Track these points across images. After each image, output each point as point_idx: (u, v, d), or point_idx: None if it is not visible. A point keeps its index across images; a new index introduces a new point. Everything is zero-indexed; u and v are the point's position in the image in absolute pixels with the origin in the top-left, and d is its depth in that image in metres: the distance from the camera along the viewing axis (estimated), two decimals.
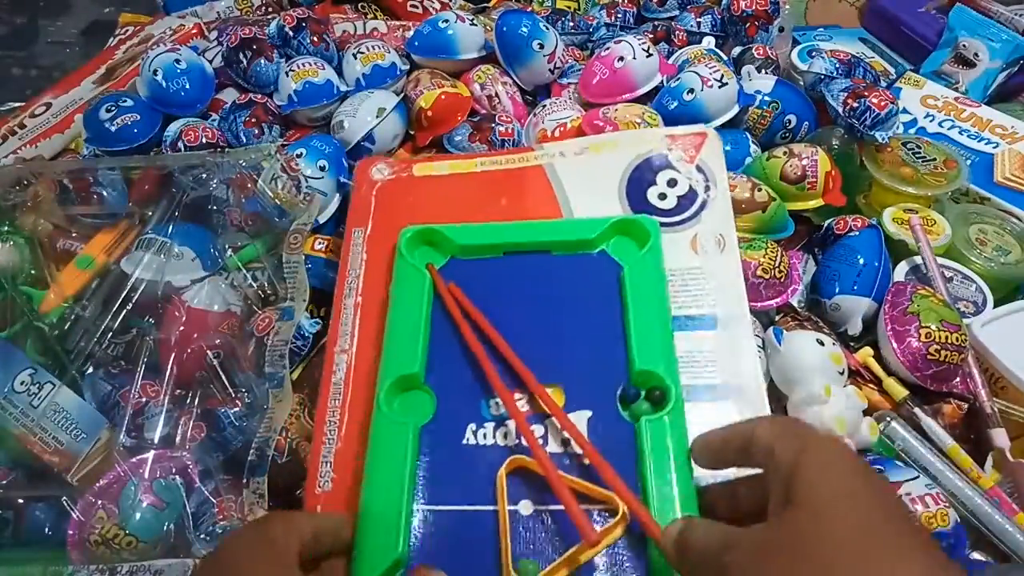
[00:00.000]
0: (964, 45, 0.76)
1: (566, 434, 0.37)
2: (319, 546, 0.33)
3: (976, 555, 0.43)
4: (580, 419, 0.38)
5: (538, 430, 0.38)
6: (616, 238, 0.45)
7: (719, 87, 0.61)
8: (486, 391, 0.39)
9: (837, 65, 0.67)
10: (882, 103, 0.61)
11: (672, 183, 0.50)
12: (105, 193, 0.56)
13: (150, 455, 0.44)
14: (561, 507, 0.34)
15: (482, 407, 0.39)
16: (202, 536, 0.42)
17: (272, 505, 0.42)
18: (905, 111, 0.70)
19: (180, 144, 0.60)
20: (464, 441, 0.38)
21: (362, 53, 0.67)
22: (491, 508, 0.35)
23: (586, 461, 0.36)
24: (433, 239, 0.46)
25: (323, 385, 0.44)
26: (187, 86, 0.64)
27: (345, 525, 0.35)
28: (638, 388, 0.38)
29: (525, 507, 0.36)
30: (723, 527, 0.28)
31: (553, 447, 0.37)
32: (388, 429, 0.38)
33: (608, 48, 0.66)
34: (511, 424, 0.38)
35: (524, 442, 0.36)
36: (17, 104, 0.76)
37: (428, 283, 0.43)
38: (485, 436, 0.38)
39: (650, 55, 0.65)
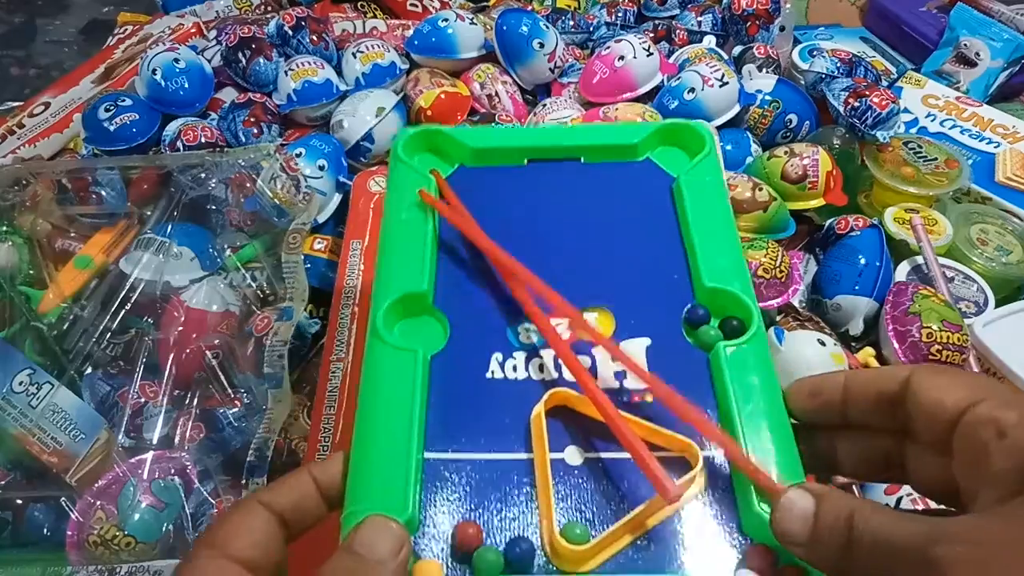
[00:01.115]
0: (965, 44, 0.76)
1: (621, 366, 0.30)
2: (295, 530, 0.26)
3: None
4: (637, 348, 0.31)
5: (584, 362, 0.30)
6: (663, 148, 0.38)
7: (720, 86, 0.61)
8: (512, 315, 0.32)
9: (838, 64, 0.67)
10: (883, 102, 0.60)
11: None
12: (104, 193, 0.55)
13: (149, 456, 0.44)
14: (620, 455, 0.27)
15: (509, 334, 0.31)
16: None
17: None
18: (906, 110, 0.70)
19: (179, 143, 0.59)
20: (488, 374, 0.30)
21: (362, 52, 0.67)
22: (526, 456, 0.28)
23: (650, 398, 0.29)
24: (438, 143, 0.38)
25: (318, 393, 0.44)
26: (186, 85, 0.64)
27: (326, 479, 0.26)
28: (707, 309, 0.31)
29: (572, 455, 0.28)
30: (889, 509, 0.21)
31: (605, 383, 0.30)
32: (389, 358, 0.29)
33: (608, 47, 0.66)
34: (547, 354, 0.30)
35: (567, 375, 0.29)
36: (16, 103, 0.76)
37: (433, 190, 0.36)
38: (515, 368, 0.30)
39: (651, 54, 0.64)
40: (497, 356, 0.30)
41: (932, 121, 0.70)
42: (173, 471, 0.43)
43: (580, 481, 0.27)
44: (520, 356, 0.31)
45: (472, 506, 0.26)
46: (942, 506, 0.24)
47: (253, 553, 0.23)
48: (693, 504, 0.26)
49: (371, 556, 0.22)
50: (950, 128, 0.69)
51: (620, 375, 0.30)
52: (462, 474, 0.27)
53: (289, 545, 0.25)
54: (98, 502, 0.42)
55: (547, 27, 0.68)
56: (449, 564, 0.25)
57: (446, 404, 0.29)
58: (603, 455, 0.28)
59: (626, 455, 0.27)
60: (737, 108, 0.63)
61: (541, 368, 0.30)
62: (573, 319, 0.30)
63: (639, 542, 0.25)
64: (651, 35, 0.75)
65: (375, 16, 0.82)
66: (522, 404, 0.29)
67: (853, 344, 0.53)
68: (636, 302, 0.32)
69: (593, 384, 0.28)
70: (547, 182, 0.37)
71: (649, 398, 0.29)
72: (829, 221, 0.58)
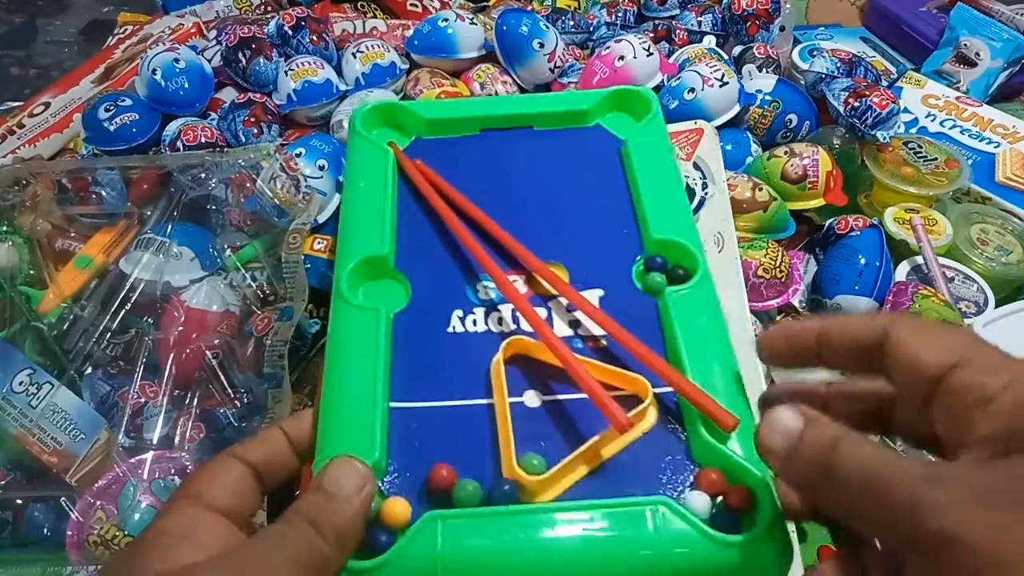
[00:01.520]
0: (965, 44, 0.76)
1: (576, 315, 0.32)
2: (269, 482, 0.27)
3: None
4: (591, 298, 0.32)
5: (540, 313, 0.31)
6: (612, 113, 0.40)
7: (720, 86, 0.61)
8: (471, 275, 0.34)
9: (838, 64, 0.67)
10: (883, 102, 0.60)
11: None
12: (104, 193, 0.55)
13: (149, 455, 0.44)
14: (575, 396, 0.29)
15: (468, 292, 0.33)
16: None
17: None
18: (906, 110, 0.70)
19: (179, 143, 0.59)
20: (449, 329, 0.32)
21: (362, 52, 0.67)
22: (487, 402, 0.29)
23: (603, 344, 0.31)
24: (395, 116, 0.40)
25: (318, 393, 0.44)
26: (186, 85, 0.64)
27: (296, 434, 0.28)
28: (664, 257, 0.33)
29: (531, 399, 0.29)
30: (879, 445, 0.20)
31: (560, 331, 0.31)
32: (353, 318, 0.31)
33: (608, 47, 0.65)
34: (506, 309, 0.32)
35: (524, 327, 0.31)
36: (16, 103, 0.76)
37: (391, 161, 0.38)
38: (475, 323, 0.32)
39: (651, 54, 0.64)
40: (458, 312, 0.32)
41: (932, 121, 0.70)
42: (173, 471, 0.43)
43: (538, 421, 0.29)
44: (479, 311, 0.32)
45: (436, 449, 0.28)
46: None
47: (228, 502, 0.25)
48: (646, 436, 0.28)
49: (338, 493, 0.24)
50: (950, 128, 0.69)
51: (574, 323, 0.31)
52: (426, 421, 0.29)
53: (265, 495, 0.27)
54: (98, 502, 0.42)
55: (547, 27, 0.68)
56: (417, 502, 0.26)
57: (409, 358, 0.31)
58: (560, 397, 0.29)
59: (582, 395, 0.28)
60: (737, 108, 0.63)
61: (500, 321, 0.32)
62: (533, 265, 0.32)
63: (597, 472, 0.27)
64: (651, 35, 0.75)
65: (375, 16, 0.82)
66: (482, 355, 0.30)
67: None
68: (589, 256, 0.34)
69: (548, 329, 0.29)
70: (501, 150, 0.38)
71: (603, 343, 0.30)
72: (829, 221, 0.58)
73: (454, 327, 0.32)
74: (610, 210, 0.36)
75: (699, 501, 0.26)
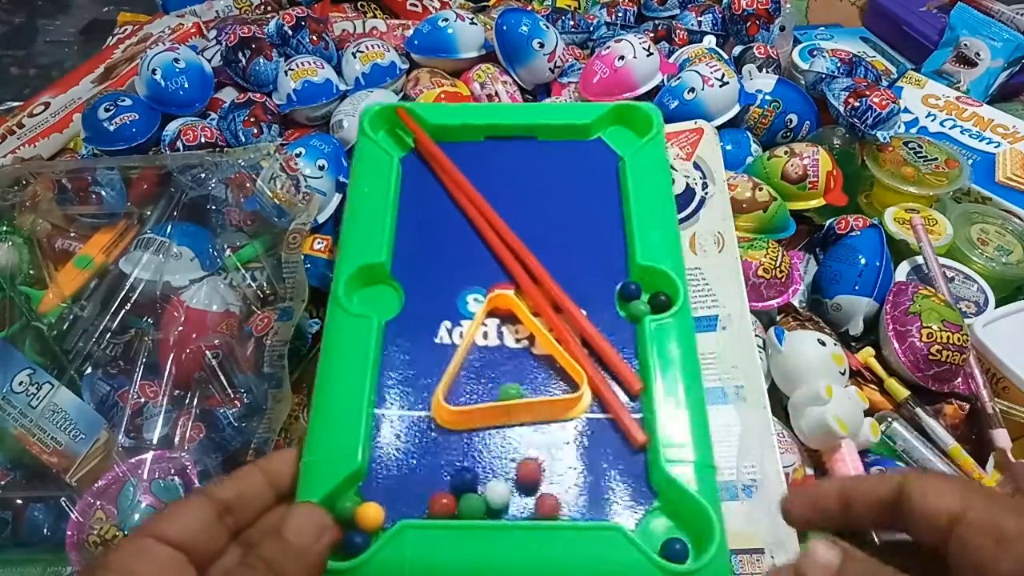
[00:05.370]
0: (965, 44, 0.76)
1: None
2: (242, 517, 0.26)
3: None
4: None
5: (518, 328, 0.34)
6: (613, 127, 0.41)
7: (720, 86, 0.61)
8: (462, 286, 0.35)
9: (838, 64, 0.67)
10: (883, 102, 0.60)
11: None
12: (104, 193, 0.55)
13: (149, 456, 0.44)
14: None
15: (459, 303, 0.34)
16: None
17: None
18: (906, 110, 0.70)
19: (179, 143, 0.59)
20: (437, 340, 0.33)
21: (361, 52, 0.67)
22: None
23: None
24: (402, 119, 0.41)
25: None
26: (186, 85, 0.64)
27: (273, 472, 0.27)
28: (639, 284, 0.34)
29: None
30: None
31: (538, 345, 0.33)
32: (346, 324, 0.33)
33: (608, 47, 0.65)
34: (491, 323, 0.34)
35: (508, 343, 0.33)
36: (16, 103, 0.76)
37: (395, 169, 0.38)
38: (461, 335, 0.33)
39: (651, 54, 0.64)
40: (446, 323, 0.33)
41: (932, 121, 0.70)
42: (173, 471, 0.43)
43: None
44: (467, 324, 0.33)
45: (417, 456, 0.30)
46: None
47: (184, 536, 0.24)
48: (611, 460, 0.30)
49: (297, 541, 0.25)
50: (950, 128, 0.69)
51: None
52: (407, 429, 0.30)
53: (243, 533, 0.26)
54: (98, 502, 0.42)
55: (547, 27, 0.68)
56: (393, 506, 0.28)
57: (397, 366, 0.32)
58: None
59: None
60: (737, 108, 0.63)
61: (485, 335, 0.33)
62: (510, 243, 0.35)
63: (567, 490, 0.29)
64: (651, 35, 0.75)
65: (375, 16, 0.82)
66: (467, 367, 0.32)
67: (853, 344, 0.53)
68: (576, 276, 0.34)
69: (530, 285, 0.33)
70: (503, 159, 0.39)
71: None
72: (829, 221, 0.58)
73: (441, 338, 0.33)
74: (601, 230, 0.37)
75: (654, 529, 0.28)
